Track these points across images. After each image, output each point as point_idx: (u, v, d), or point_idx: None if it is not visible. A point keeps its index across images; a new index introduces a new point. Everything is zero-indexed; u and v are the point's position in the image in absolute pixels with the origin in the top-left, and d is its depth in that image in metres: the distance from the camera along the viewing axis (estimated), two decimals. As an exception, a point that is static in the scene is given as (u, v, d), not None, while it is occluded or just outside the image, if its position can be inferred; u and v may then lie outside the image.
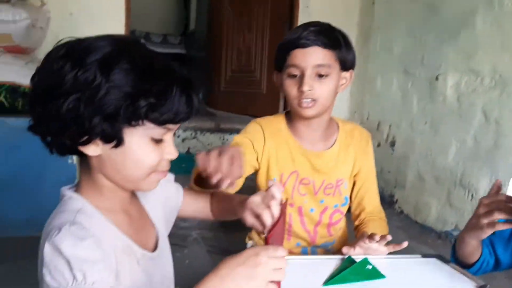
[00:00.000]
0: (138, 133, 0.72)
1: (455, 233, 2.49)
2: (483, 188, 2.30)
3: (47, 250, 0.68)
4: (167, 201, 0.97)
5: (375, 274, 1.03)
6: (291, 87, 1.25)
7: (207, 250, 2.27)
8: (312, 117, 1.28)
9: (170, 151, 0.77)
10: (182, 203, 1.02)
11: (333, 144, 1.36)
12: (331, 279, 1.00)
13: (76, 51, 0.70)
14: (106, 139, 0.71)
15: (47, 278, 0.67)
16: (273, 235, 0.77)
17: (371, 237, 1.14)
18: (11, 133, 2.28)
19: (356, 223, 1.42)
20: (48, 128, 0.71)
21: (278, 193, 0.86)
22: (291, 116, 1.35)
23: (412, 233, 2.69)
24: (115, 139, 0.71)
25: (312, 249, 1.39)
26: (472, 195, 2.36)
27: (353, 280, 1.00)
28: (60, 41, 0.73)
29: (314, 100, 1.24)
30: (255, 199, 0.89)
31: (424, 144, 2.74)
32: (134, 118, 0.70)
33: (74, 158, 2.37)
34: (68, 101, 0.67)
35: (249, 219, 0.89)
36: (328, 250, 1.40)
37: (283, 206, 0.87)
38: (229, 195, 1.05)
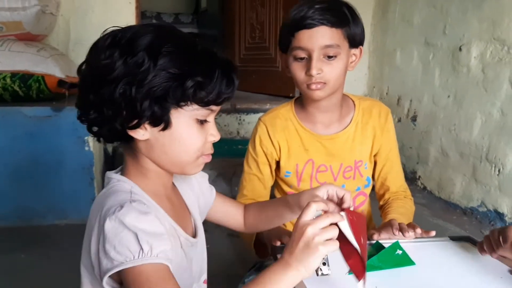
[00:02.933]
0: (184, 115, 0.75)
1: (481, 209, 2.42)
2: (510, 162, 2.21)
3: (110, 226, 0.69)
4: (201, 197, 0.99)
5: (405, 260, 0.98)
6: (298, 71, 1.19)
7: (228, 234, 2.25)
8: (323, 99, 1.23)
9: (213, 133, 0.80)
10: (213, 204, 1.03)
11: (348, 124, 1.30)
12: None
13: (122, 39, 0.73)
14: (155, 122, 0.74)
15: (112, 253, 0.69)
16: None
17: (401, 229, 1.09)
18: (27, 122, 2.28)
19: (381, 203, 1.38)
20: (100, 114, 0.74)
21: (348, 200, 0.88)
22: (302, 101, 1.30)
23: (436, 210, 2.63)
24: (163, 121, 0.74)
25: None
26: (499, 170, 2.28)
27: (380, 267, 0.96)
28: (104, 31, 0.77)
29: (324, 82, 1.18)
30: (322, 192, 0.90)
31: (447, 118, 2.65)
32: (182, 99, 0.73)
33: (91, 146, 2.37)
34: (120, 85, 0.71)
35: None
36: None
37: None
38: (270, 201, 1.09)
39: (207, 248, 2.30)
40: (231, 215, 1.06)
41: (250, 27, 3.89)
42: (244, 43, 3.97)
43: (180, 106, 0.74)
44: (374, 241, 1.07)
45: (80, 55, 3.60)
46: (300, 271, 0.70)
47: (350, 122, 1.30)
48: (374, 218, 1.47)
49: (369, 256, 0.97)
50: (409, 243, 1.11)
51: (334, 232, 0.72)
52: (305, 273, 0.71)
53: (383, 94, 3.38)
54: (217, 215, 1.05)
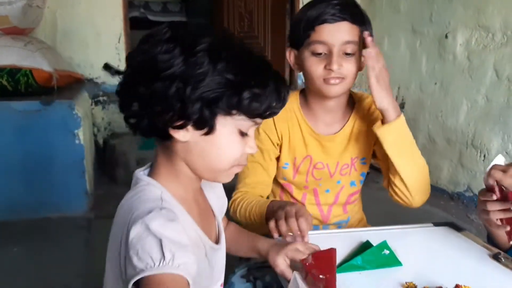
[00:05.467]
0: (230, 123, 0.74)
1: (467, 194, 2.47)
2: (495, 148, 2.26)
3: (135, 231, 0.68)
4: (220, 201, 0.97)
5: (392, 261, 0.96)
6: (315, 66, 1.16)
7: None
8: (337, 96, 1.22)
9: (252, 146, 0.79)
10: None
11: (346, 123, 1.30)
12: (340, 266, 0.95)
13: (184, 36, 0.72)
14: (200, 125, 0.72)
15: (134, 260, 0.67)
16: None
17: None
18: (16, 117, 2.27)
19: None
20: (145, 108, 0.72)
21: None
22: (307, 96, 1.30)
23: (424, 195, 2.68)
24: (208, 126, 0.72)
25: (324, 227, 1.37)
26: (484, 156, 2.33)
27: (364, 268, 0.95)
28: (163, 24, 0.74)
29: (342, 78, 1.16)
30: (293, 247, 0.94)
31: (434, 105, 2.69)
32: (235, 107, 0.72)
33: (82, 139, 2.37)
34: (176, 83, 0.69)
35: (282, 265, 0.92)
36: (341, 228, 1.38)
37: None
38: (246, 232, 1.06)
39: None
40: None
41: (238, 16, 3.88)
42: (233, 32, 3.96)
43: (229, 114, 0.73)
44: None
45: (67, 48, 3.59)
46: None
47: (348, 120, 1.31)
48: (366, 214, 1.48)
49: (355, 255, 0.97)
50: (393, 230, 1.13)
51: None
52: None
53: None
54: None
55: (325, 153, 1.28)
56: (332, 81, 1.17)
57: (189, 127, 0.73)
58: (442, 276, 0.92)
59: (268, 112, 0.75)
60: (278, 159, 1.31)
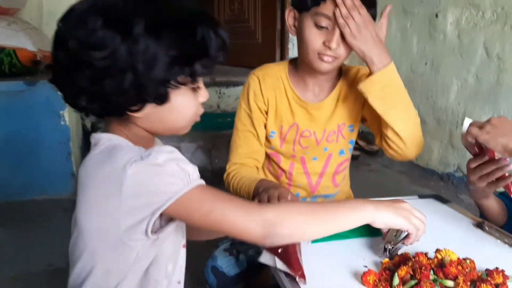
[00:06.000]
0: (182, 88, 0.75)
1: (457, 174, 2.46)
2: (485, 127, 2.24)
3: (141, 173, 0.69)
4: None
5: (372, 230, 0.93)
6: (315, 38, 1.13)
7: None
8: (327, 72, 1.21)
9: (203, 94, 0.80)
10: None
11: (333, 90, 1.28)
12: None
13: (118, 19, 0.68)
14: (156, 102, 0.73)
15: (160, 188, 0.69)
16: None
17: None
18: (0, 98, 2.23)
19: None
20: (107, 101, 0.71)
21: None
22: (298, 65, 1.27)
23: (414, 177, 2.67)
24: (165, 99, 0.74)
25: (312, 199, 1.35)
26: (474, 135, 2.31)
27: (347, 237, 0.93)
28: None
29: (335, 57, 1.15)
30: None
31: (424, 85, 2.67)
32: (187, 79, 0.73)
33: (67, 120, 2.34)
34: (127, 76, 0.69)
35: None
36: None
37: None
38: None
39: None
40: None
41: (229, 0, 3.83)
42: (223, 16, 3.92)
43: (183, 84, 0.74)
44: None
45: (54, 29, 3.53)
46: (376, 212, 0.79)
47: (335, 88, 1.28)
48: (353, 188, 1.47)
49: None
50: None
51: (423, 225, 0.83)
52: (377, 219, 0.79)
53: (362, 63, 3.37)
54: None
55: (312, 121, 1.27)
56: (326, 59, 1.14)
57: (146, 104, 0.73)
58: (425, 244, 0.90)
59: (216, 63, 0.76)
60: (265, 127, 1.29)
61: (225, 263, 1.21)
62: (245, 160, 1.28)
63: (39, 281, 1.70)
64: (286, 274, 0.77)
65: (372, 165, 2.93)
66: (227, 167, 1.29)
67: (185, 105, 0.76)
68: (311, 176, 1.32)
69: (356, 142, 3.10)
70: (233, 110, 3.24)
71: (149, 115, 0.75)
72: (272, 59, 3.44)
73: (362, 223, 0.78)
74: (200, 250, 1.71)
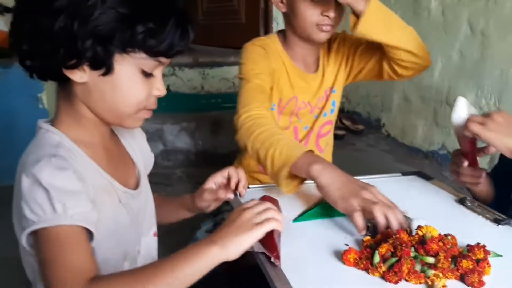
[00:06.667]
0: (129, 62, 0.69)
1: (441, 152, 2.47)
2: (469, 104, 2.24)
3: (25, 183, 0.64)
4: (144, 154, 0.94)
5: None
6: (311, 11, 1.15)
7: (194, 188, 2.24)
8: (324, 42, 1.24)
9: (159, 87, 0.74)
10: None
11: (319, 61, 1.31)
12: (302, 215, 0.95)
13: None
14: (96, 65, 0.68)
15: (26, 212, 0.64)
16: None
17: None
18: (-26, 81, 2.16)
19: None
20: (36, 47, 0.67)
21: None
22: (289, 38, 1.26)
23: (399, 155, 2.68)
24: (104, 65, 0.68)
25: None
26: (458, 112, 2.31)
27: (326, 215, 0.93)
28: None
29: (332, 25, 1.18)
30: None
31: (409, 63, 2.65)
32: (129, 44, 0.67)
33: (45, 103, 2.28)
34: (61, 18, 0.64)
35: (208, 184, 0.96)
36: None
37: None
38: (170, 198, 1.05)
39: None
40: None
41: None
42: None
43: (126, 52, 0.68)
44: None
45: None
46: (223, 249, 0.66)
47: (319, 56, 1.31)
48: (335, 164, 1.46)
49: (316, 205, 0.98)
50: (362, 180, 1.11)
51: (270, 214, 0.72)
52: (228, 254, 0.67)
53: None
54: None
55: (309, 92, 1.29)
56: (325, 28, 1.17)
57: (85, 67, 0.68)
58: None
59: (172, 50, 0.70)
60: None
61: (207, 245, 1.20)
62: (265, 111, 1.11)
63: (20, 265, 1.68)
64: (264, 255, 0.75)
65: (357, 145, 2.93)
66: (241, 112, 1.09)
67: (130, 85, 0.71)
68: (300, 143, 1.33)
69: (342, 122, 3.11)
70: (217, 91, 3.20)
71: (90, 86, 0.70)
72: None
73: (215, 263, 0.67)
74: (182, 235, 1.69)
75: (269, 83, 1.20)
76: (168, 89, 3.18)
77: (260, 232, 0.69)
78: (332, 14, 1.15)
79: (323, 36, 1.19)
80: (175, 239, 1.86)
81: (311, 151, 0.96)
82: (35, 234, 0.65)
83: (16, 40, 0.69)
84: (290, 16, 1.21)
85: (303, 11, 1.16)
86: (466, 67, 2.24)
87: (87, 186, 0.69)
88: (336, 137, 1.41)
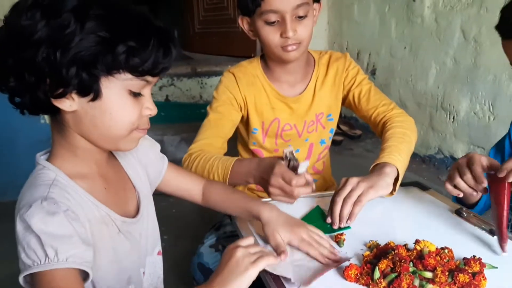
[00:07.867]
0: (116, 85, 0.70)
1: (438, 156, 2.50)
2: (463, 109, 2.28)
3: (19, 227, 0.66)
4: (150, 167, 0.94)
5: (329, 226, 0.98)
6: (271, 35, 1.16)
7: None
8: (297, 59, 1.22)
9: (149, 107, 0.74)
10: (165, 175, 0.97)
11: (309, 82, 1.30)
12: None
13: (48, 1, 0.67)
14: (83, 91, 0.68)
15: (22, 255, 0.66)
16: None
17: None
18: (-24, 98, 2.18)
19: (379, 129, 1.30)
20: (21, 81, 0.67)
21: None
22: (267, 61, 1.28)
23: (397, 160, 2.70)
24: (92, 90, 0.68)
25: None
26: (453, 117, 2.35)
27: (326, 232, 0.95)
28: None
29: (299, 43, 1.17)
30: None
31: (404, 70, 2.69)
32: (113, 66, 0.68)
33: (47, 118, 2.30)
34: (43, 49, 0.64)
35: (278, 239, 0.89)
36: None
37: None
38: (237, 192, 1.02)
39: (172, 213, 2.29)
40: (185, 189, 1.00)
41: (207, -12, 3.78)
42: (202, 4, 3.87)
43: (112, 74, 0.68)
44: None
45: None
46: None
47: (311, 79, 1.30)
48: (333, 170, 1.49)
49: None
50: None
51: (263, 253, 0.73)
52: None
53: (343, 49, 3.38)
54: (169, 188, 0.99)
55: (292, 114, 1.29)
56: (290, 48, 1.17)
57: (73, 95, 0.69)
58: (405, 234, 0.93)
59: (157, 68, 0.71)
60: (247, 124, 1.30)
61: (211, 259, 1.22)
62: (213, 139, 1.22)
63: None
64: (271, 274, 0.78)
65: (355, 150, 2.96)
66: (188, 149, 1.22)
67: (120, 107, 0.71)
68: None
69: (339, 127, 3.15)
70: (216, 100, 3.24)
71: (80, 113, 0.70)
72: (252, 47, 3.42)
73: None
74: (186, 247, 1.72)
75: (231, 113, 1.25)
76: (167, 99, 3.22)
77: (255, 271, 0.70)
78: (290, 34, 1.14)
79: (292, 56, 1.18)
80: (180, 251, 1.88)
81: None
82: (31, 275, 0.67)
83: (2, 76, 0.69)
84: (260, 42, 1.22)
85: (266, 36, 1.17)
86: (460, 73, 2.28)
87: (80, 225, 0.70)
88: (333, 142, 1.42)
